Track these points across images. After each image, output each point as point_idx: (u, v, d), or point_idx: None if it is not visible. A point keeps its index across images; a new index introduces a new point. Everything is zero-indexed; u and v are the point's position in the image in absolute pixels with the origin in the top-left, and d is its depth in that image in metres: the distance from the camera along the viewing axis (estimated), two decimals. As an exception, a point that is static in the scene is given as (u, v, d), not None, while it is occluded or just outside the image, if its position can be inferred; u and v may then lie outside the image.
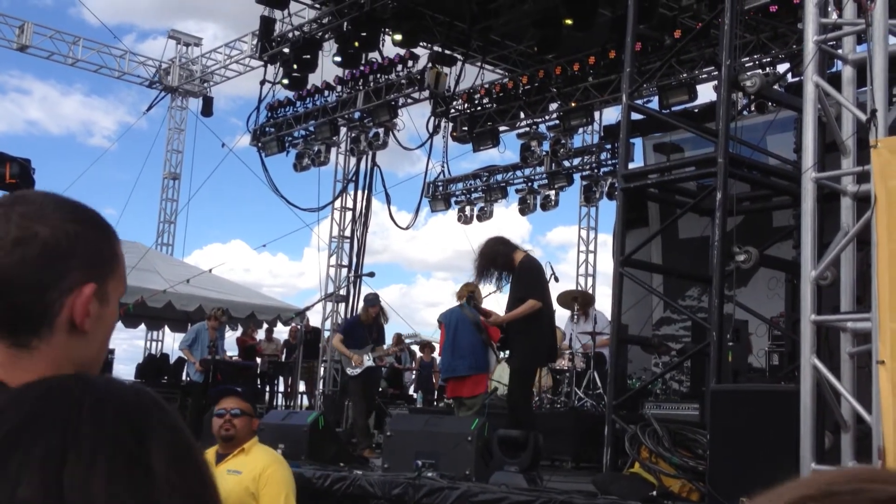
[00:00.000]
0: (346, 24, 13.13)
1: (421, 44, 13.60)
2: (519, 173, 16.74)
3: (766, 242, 7.01)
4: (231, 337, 14.70)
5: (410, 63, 13.33)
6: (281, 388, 15.89)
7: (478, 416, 7.75)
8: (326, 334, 14.40)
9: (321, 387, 14.24)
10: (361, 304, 10.61)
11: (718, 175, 6.62)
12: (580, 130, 15.68)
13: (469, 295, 8.24)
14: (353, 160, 15.02)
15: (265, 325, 16.38)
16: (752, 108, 11.73)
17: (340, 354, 9.95)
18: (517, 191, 16.87)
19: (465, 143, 15.97)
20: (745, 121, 9.83)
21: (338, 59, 13.45)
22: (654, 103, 12.65)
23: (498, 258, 7.50)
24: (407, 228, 16.18)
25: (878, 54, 4.83)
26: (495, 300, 8.60)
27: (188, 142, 20.36)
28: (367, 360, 9.60)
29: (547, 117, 15.41)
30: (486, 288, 8.05)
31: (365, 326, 9.81)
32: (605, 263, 17.41)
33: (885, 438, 4.20)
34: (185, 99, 20.48)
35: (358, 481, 6.70)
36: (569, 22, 11.61)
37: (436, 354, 16.63)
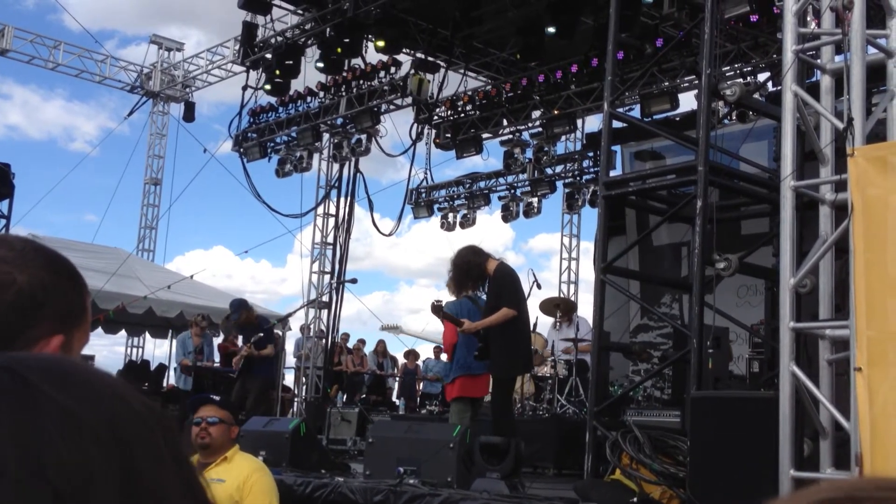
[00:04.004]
0: (328, 30, 13.13)
1: (404, 50, 13.61)
2: (502, 180, 16.77)
3: (736, 250, 7.05)
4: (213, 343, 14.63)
5: (393, 69, 13.34)
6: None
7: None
8: (308, 343, 14.36)
9: (303, 393, 14.20)
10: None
11: (699, 183, 6.66)
12: (563, 138, 15.74)
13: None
14: (335, 166, 14.99)
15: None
16: (733, 117, 11.82)
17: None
18: (500, 198, 16.90)
19: (449, 150, 16.00)
20: (723, 129, 9.90)
21: (320, 64, 13.44)
22: (636, 111, 12.72)
23: (471, 268, 7.46)
24: (390, 235, 16.20)
25: (856, 64, 4.89)
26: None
27: (170, 147, 20.23)
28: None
29: (530, 125, 15.45)
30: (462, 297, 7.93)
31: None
32: (588, 271, 17.45)
33: (862, 445, 4.24)
34: (167, 104, 20.41)
35: (339, 488, 6.69)
36: (551, 30, 11.67)
37: (402, 360, 16.63)
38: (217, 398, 4.50)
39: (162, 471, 0.62)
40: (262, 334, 10.54)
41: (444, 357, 13.76)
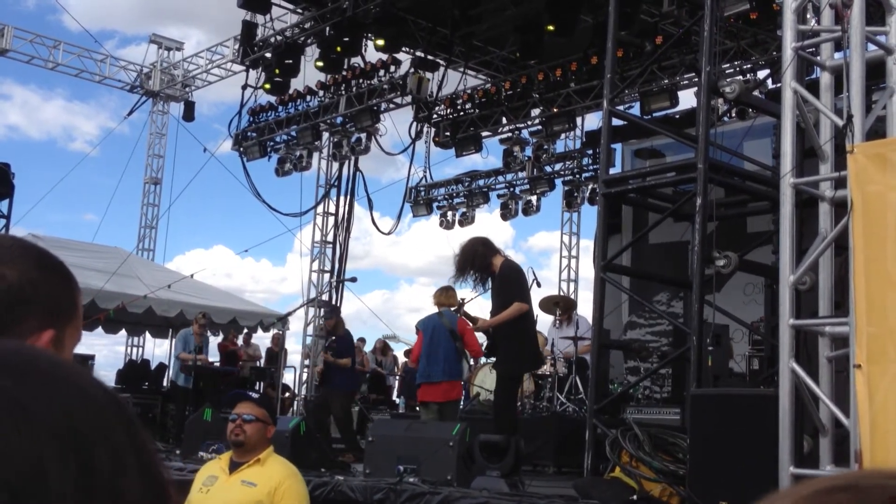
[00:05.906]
0: (328, 28, 13.13)
1: (403, 49, 13.62)
2: (501, 178, 16.77)
3: (741, 247, 7.05)
4: (212, 342, 14.64)
5: (393, 68, 13.35)
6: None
7: (452, 421, 7.78)
8: (308, 339, 14.36)
9: (303, 392, 14.20)
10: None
11: (698, 180, 6.66)
12: (562, 136, 15.75)
13: (458, 307, 8.07)
14: (335, 165, 15.01)
15: (245, 331, 16.33)
16: (733, 115, 11.81)
17: None
18: (499, 196, 16.90)
19: (448, 148, 16.00)
20: (724, 126, 9.89)
21: (320, 63, 13.44)
22: (636, 109, 12.73)
23: (476, 258, 7.46)
24: (389, 234, 16.21)
25: (856, 61, 4.89)
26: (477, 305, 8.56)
27: (169, 147, 20.21)
28: None
29: (529, 123, 15.45)
30: (467, 293, 8.01)
31: None
32: (588, 268, 17.46)
33: (861, 442, 4.24)
34: (167, 103, 20.39)
35: (339, 487, 6.69)
36: (551, 28, 11.67)
37: (403, 359, 16.59)
38: (255, 395, 4.37)
39: (122, 465, 0.61)
40: (334, 338, 10.10)
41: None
